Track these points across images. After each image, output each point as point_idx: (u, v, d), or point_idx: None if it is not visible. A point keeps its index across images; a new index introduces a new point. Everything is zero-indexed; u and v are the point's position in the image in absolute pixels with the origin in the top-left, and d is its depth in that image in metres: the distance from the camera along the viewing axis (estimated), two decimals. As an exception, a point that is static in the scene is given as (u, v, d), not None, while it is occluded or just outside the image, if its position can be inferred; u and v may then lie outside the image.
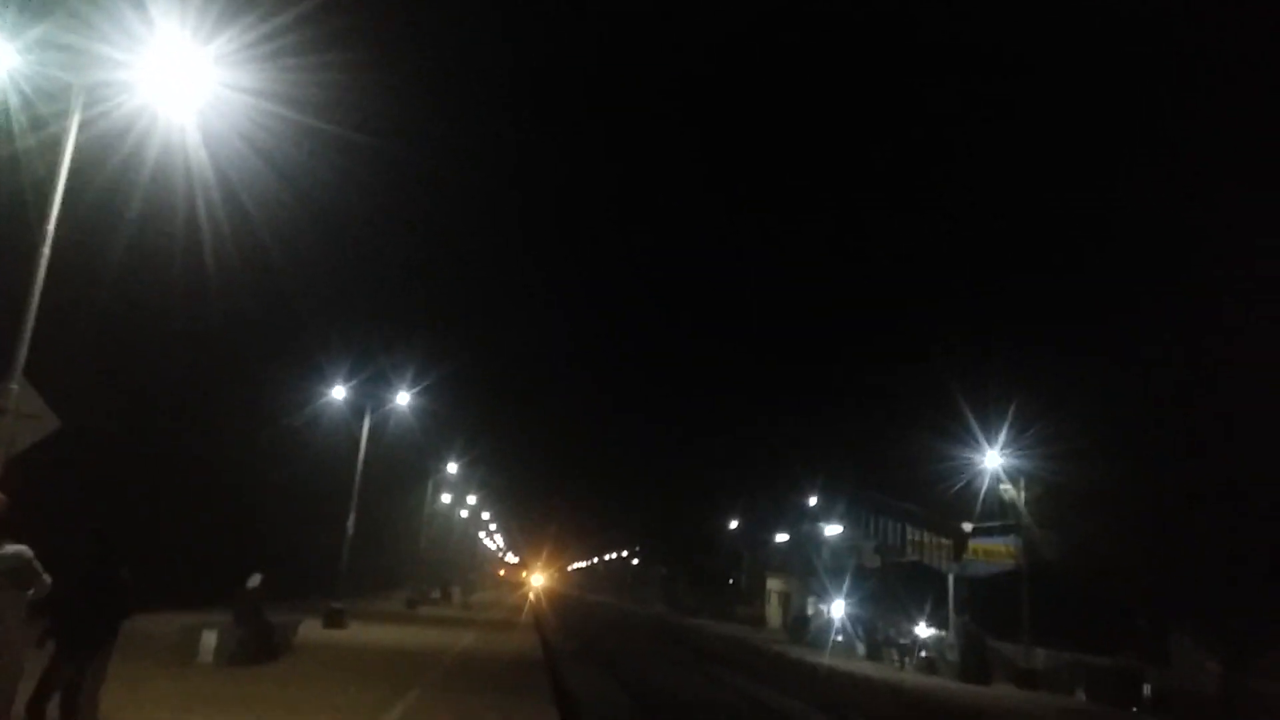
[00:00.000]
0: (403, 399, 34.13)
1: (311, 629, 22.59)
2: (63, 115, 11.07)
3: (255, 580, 17.44)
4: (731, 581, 64.78)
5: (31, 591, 8.00)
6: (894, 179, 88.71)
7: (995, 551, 29.71)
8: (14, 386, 10.76)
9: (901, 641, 31.99)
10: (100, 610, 8.18)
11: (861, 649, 34.36)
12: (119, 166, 12.48)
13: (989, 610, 28.93)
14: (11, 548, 8.09)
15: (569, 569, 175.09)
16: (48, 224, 11.03)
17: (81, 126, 11.22)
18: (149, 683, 12.59)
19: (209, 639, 16.13)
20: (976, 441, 27.60)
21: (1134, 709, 21.97)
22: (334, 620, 26.25)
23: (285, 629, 19.07)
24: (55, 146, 11.22)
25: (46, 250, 11.02)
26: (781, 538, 49.56)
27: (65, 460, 12.98)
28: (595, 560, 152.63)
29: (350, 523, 28.56)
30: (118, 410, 18.93)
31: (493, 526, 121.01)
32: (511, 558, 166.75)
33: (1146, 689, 22.11)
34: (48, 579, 8.09)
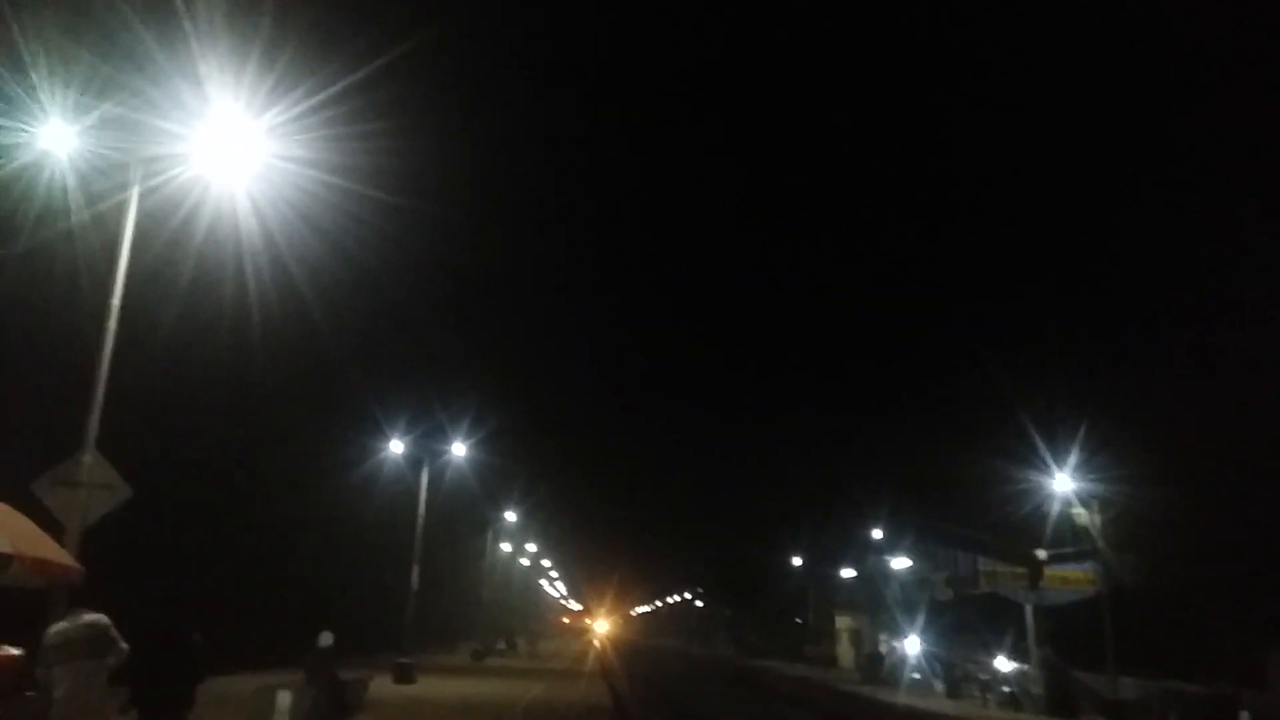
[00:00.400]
0: (459, 450, 34.39)
1: (381, 685, 22.58)
2: (117, 189, 11.43)
3: (326, 639, 17.49)
4: (799, 621, 63.51)
5: (110, 659, 8.08)
6: (956, 196, 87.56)
7: (1072, 578, 28.67)
8: (87, 458, 11.03)
9: (982, 677, 30.93)
10: (176, 674, 8.24)
11: (940, 686, 33.32)
12: (171, 237, 12.85)
13: (1070, 640, 27.86)
14: (89, 616, 8.19)
15: (632, 614, 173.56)
16: (112, 298, 11.35)
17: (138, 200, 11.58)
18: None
19: (284, 699, 16.17)
20: (1045, 464, 26.82)
21: (1233, 736, 20.88)
22: (403, 675, 26.25)
23: (357, 686, 19.10)
24: (109, 220, 11.59)
25: (112, 324, 11.32)
26: (848, 573, 48.47)
27: (130, 528, 13.17)
28: (658, 604, 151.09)
29: (414, 576, 28.66)
30: (176, 476, 19.29)
31: (553, 574, 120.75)
32: (573, 604, 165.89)
33: (1244, 715, 21.01)
34: (125, 647, 8.17)
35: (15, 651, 8.63)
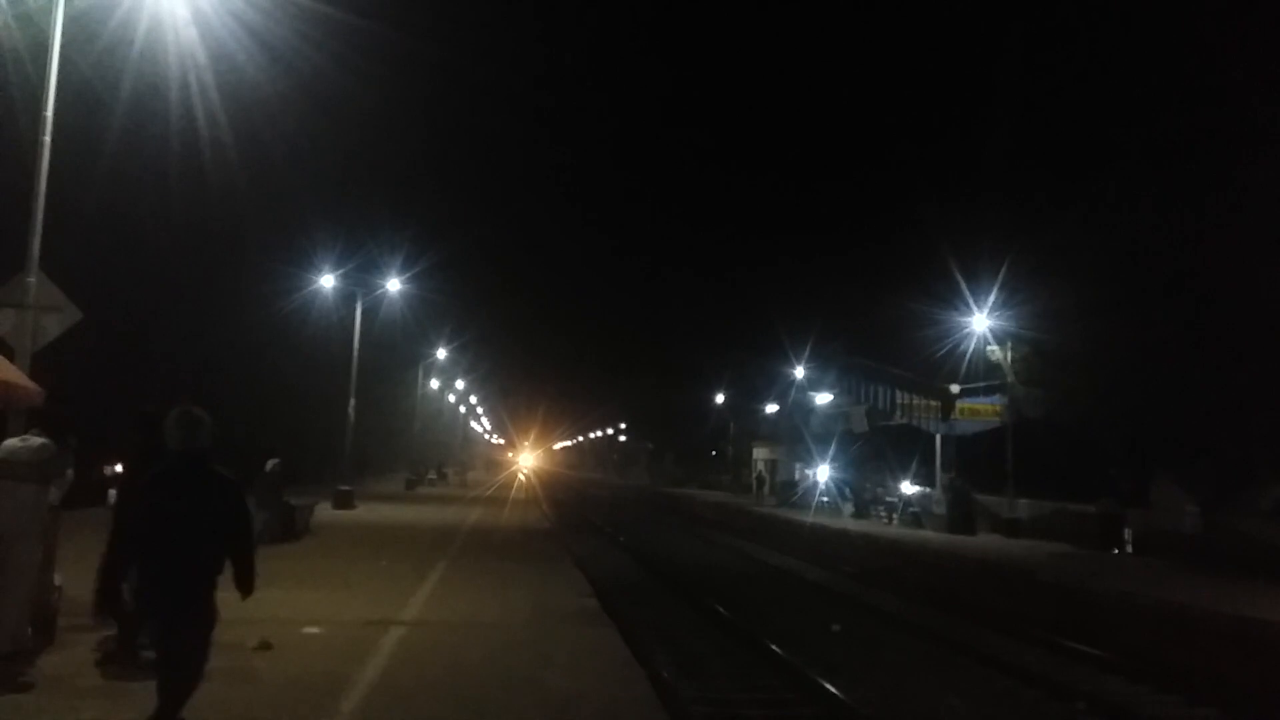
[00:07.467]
0: (394, 285, 34.09)
1: (322, 510, 23.14)
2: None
3: (274, 464, 17.81)
4: (717, 453, 66.19)
5: (56, 486, 7.99)
6: (890, 33, 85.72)
7: (981, 410, 30.52)
8: (31, 280, 10.72)
9: (889, 499, 32.98)
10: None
11: (849, 509, 35.36)
12: (106, 46, 12.03)
13: (975, 467, 29.93)
14: (39, 439, 7.87)
15: (555, 448, 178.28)
16: (45, 110, 10.74)
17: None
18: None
19: (235, 522, 16.55)
20: (965, 305, 28.02)
21: (1115, 550, 23.11)
22: (343, 501, 26.86)
23: (303, 511, 19.60)
24: (35, 21, 10.77)
25: (47, 138, 10.77)
26: (771, 408, 50.26)
27: (77, 352, 12.98)
28: (580, 439, 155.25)
29: (351, 408, 28.93)
30: (118, 299, 18.81)
31: (479, 410, 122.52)
32: (499, 439, 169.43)
33: (1127, 532, 23.15)
34: (70, 474, 8.14)
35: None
